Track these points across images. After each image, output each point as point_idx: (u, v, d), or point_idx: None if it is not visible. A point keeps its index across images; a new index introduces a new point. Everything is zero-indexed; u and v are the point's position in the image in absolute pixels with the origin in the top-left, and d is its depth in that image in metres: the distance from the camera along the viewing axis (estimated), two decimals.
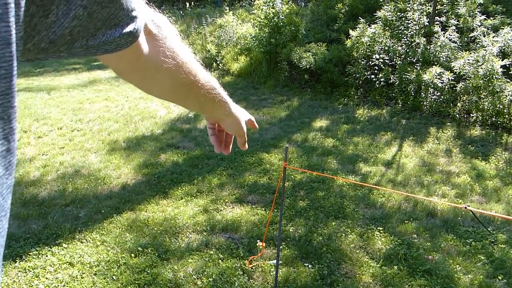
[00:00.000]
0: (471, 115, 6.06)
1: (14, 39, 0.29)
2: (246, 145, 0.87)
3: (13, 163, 0.31)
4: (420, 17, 7.16)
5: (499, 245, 3.11)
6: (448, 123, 5.98)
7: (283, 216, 2.96)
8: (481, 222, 3.33)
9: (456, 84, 6.17)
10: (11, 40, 0.28)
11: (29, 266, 2.69)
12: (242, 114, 0.83)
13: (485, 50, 5.88)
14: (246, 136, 0.85)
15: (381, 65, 7.08)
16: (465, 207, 1.71)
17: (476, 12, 7.09)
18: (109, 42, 0.43)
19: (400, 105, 6.65)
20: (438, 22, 7.24)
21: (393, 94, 6.84)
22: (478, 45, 6.34)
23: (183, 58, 0.60)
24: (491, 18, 7.08)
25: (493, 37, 6.13)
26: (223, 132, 0.87)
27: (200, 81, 0.65)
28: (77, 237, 3.05)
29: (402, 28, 7.25)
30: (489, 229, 3.33)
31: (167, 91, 0.65)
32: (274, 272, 2.60)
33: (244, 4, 13.47)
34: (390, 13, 7.32)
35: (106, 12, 0.39)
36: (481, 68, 5.75)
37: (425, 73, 6.27)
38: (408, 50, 7.09)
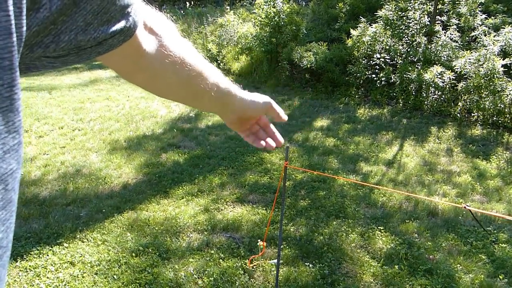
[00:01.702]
0: (472, 114, 6.05)
1: (15, 29, 0.28)
2: (284, 116, 0.80)
3: (22, 156, 0.31)
4: (421, 16, 7.15)
5: (500, 244, 3.11)
6: (449, 123, 5.97)
7: (284, 216, 2.96)
8: (479, 222, 3.33)
9: (457, 84, 6.16)
10: (12, 30, 0.28)
11: (30, 266, 2.70)
12: (259, 97, 0.79)
13: (486, 49, 5.87)
14: (276, 107, 0.79)
15: (382, 65, 7.07)
16: (465, 207, 1.71)
17: (477, 11, 7.08)
18: (100, 43, 0.42)
19: (401, 105, 6.64)
20: (439, 21, 7.24)
21: (394, 94, 6.83)
22: (479, 44, 6.33)
23: (186, 51, 0.59)
24: (492, 17, 7.07)
25: (494, 36, 6.12)
26: (259, 127, 0.83)
27: (206, 71, 0.64)
28: (78, 236, 3.06)
29: (403, 28, 7.24)
30: (489, 228, 3.33)
31: (176, 87, 0.63)
32: (275, 272, 2.60)
33: (245, 3, 13.46)
34: (391, 12, 7.31)
35: (96, 4, 0.38)
36: (482, 67, 5.75)
37: (426, 72, 6.26)
38: (409, 50, 7.08)
